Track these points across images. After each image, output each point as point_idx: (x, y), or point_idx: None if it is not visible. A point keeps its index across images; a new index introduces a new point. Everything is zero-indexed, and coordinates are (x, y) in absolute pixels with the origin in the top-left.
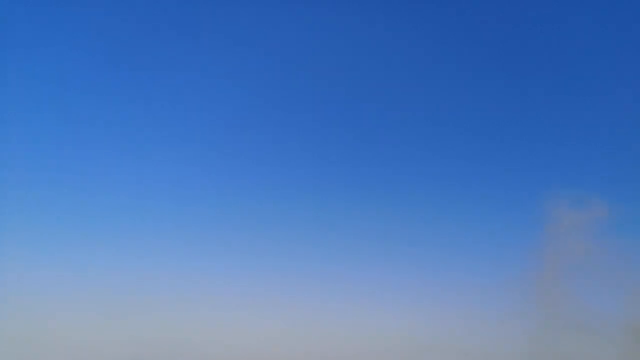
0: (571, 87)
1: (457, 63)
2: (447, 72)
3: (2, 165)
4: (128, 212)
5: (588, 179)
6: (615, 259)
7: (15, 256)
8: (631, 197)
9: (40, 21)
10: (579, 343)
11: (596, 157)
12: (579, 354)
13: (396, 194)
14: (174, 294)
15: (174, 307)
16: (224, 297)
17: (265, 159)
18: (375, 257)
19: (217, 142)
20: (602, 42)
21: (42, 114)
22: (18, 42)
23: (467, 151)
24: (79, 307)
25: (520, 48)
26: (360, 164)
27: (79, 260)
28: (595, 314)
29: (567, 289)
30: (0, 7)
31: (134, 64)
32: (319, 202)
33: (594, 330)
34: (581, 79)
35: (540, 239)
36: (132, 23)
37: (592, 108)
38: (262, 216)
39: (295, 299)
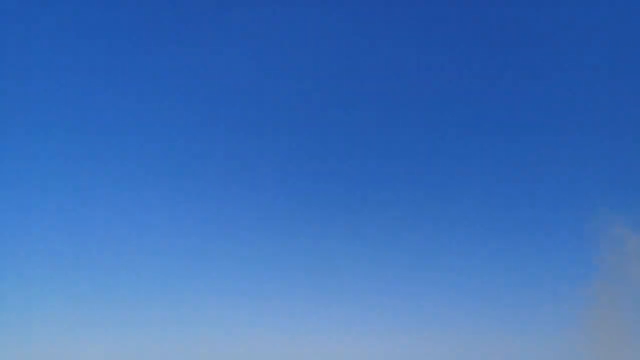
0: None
1: (484, 64)
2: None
3: (3, 165)
4: (127, 213)
5: None
6: None
7: (15, 257)
8: None
9: (39, 21)
10: None
11: None
12: None
13: (427, 212)
14: (173, 298)
15: (172, 311)
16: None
17: (264, 159)
18: (407, 285)
19: (217, 143)
20: None
21: (41, 114)
22: (18, 42)
23: (507, 166)
24: (80, 309)
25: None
26: (377, 175)
27: (79, 261)
28: None
29: (627, 326)
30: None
31: (132, 64)
32: (329, 214)
33: None
34: None
35: (596, 267)
36: (131, 22)
37: None
38: (261, 221)
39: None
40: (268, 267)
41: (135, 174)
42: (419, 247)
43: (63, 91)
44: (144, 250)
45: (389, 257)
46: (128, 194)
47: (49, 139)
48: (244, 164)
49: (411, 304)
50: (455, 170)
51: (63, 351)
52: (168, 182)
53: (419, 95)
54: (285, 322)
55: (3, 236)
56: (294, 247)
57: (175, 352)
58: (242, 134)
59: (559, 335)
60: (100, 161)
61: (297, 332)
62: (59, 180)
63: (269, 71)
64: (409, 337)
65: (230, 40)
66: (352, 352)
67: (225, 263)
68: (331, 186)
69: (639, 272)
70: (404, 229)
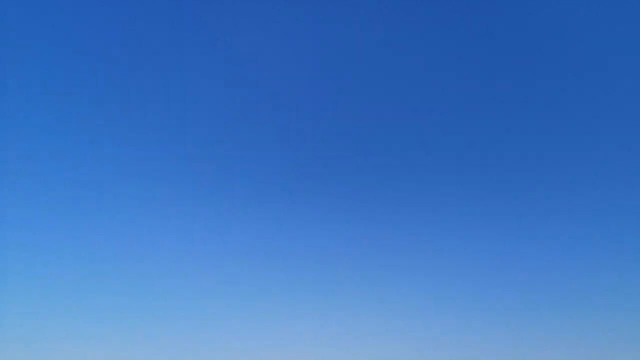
0: None
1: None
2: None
3: (3, 165)
4: (126, 213)
5: None
6: None
7: (14, 257)
8: None
9: (38, 21)
10: None
11: None
12: None
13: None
14: (174, 298)
15: (172, 311)
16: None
17: (263, 159)
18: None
19: (215, 144)
20: None
21: (39, 115)
22: (17, 42)
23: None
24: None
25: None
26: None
27: (77, 259)
28: None
29: None
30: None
31: (131, 63)
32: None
33: None
34: None
35: None
36: (130, 22)
37: None
38: (261, 220)
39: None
40: (269, 267)
41: (135, 174)
42: (424, 246)
43: (63, 89)
44: (143, 250)
45: (394, 257)
46: (127, 193)
47: (48, 138)
48: (244, 163)
49: (416, 305)
50: (456, 171)
51: (64, 351)
52: (168, 181)
53: (423, 94)
54: (285, 323)
55: (3, 236)
56: (294, 246)
57: (176, 352)
58: (242, 132)
59: None
60: (99, 161)
61: (296, 332)
62: (59, 180)
63: (268, 70)
64: (414, 339)
65: (231, 38)
66: (354, 353)
67: (225, 263)
68: (331, 186)
69: None
70: (410, 227)
